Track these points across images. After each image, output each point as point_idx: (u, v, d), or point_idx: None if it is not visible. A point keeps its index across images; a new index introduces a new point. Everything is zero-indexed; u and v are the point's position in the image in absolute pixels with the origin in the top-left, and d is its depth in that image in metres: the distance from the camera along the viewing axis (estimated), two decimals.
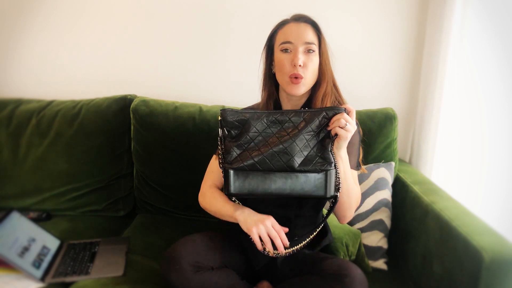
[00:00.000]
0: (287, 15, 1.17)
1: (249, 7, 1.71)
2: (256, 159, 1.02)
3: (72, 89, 1.83)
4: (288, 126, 1.03)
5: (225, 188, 1.05)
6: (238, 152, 1.04)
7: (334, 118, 1.00)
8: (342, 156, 1.05)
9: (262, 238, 1.02)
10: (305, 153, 1.02)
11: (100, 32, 1.79)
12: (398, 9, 1.68)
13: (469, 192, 1.59)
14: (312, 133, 1.02)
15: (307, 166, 1.01)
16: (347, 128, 0.99)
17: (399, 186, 1.52)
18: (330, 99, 1.14)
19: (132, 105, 1.61)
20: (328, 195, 1.03)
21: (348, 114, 1.00)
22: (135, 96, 1.67)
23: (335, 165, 1.03)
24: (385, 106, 1.62)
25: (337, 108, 1.01)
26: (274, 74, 1.17)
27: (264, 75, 1.20)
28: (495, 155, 1.55)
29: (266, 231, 1.02)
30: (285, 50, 1.11)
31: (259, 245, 1.03)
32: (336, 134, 1.00)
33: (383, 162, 1.54)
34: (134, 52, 1.80)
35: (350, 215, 1.14)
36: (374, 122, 1.54)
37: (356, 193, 1.13)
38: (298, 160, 1.01)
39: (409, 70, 1.74)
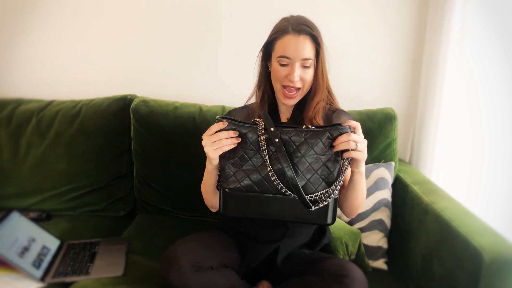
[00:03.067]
0: (286, 15, 1.16)
1: (249, 8, 1.71)
2: (253, 180, 0.99)
3: (72, 89, 1.83)
4: (288, 146, 0.98)
5: (221, 208, 1.03)
6: (234, 170, 1.00)
7: (340, 139, 0.96)
8: (362, 171, 1.05)
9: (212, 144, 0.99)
10: (308, 176, 0.98)
11: (100, 32, 1.79)
12: (398, 9, 1.68)
13: (469, 192, 1.59)
14: (315, 155, 0.98)
15: (308, 191, 0.97)
16: (359, 148, 0.97)
17: (399, 186, 1.52)
18: (323, 104, 1.16)
19: (132, 105, 1.61)
20: (330, 223, 1.02)
21: (353, 131, 0.98)
22: (135, 96, 1.67)
23: (341, 187, 1.01)
24: (385, 106, 1.62)
25: (341, 127, 0.97)
26: (270, 73, 1.16)
27: (260, 75, 1.20)
28: (495, 155, 1.55)
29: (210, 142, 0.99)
30: (282, 64, 1.10)
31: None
32: (349, 157, 0.99)
33: (383, 162, 1.54)
34: (134, 53, 1.80)
35: (357, 212, 1.16)
36: (374, 122, 1.54)
37: (365, 194, 1.16)
38: (299, 184, 0.97)
39: (409, 70, 1.74)
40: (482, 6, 1.47)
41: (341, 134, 0.97)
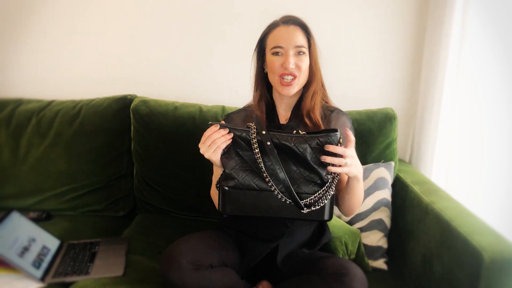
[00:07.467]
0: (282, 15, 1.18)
1: (249, 8, 1.71)
2: (251, 178, 1.00)
3: (72, 89, 1.83)
4: (279, 150, 1.00)
5: (220, 207, 1.03)
6: (232, 170, 1.01)
7: (328, 160, 0.97)
8: (358, 177, 1.05)
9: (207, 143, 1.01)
10: (299, 180, 1.01)
11: (100, 32, 1.79)
12: (399, 9, 1.68)
13: (469, 192, 1.59)
14: (305, 160, 1.00)
15: (299, 194, 0.99)
16: (348, 164, 0.98)
17: (399, 186, 1.52)
18: (319, 98, 1.18)
19: (132, 105, 1.61)
20: (327, 219, 1.03)
21: (342, 143, 1.00)
22: (135, 96, 1.67)
23: (333, 180, 1.01)
24: (385, 106, 1.62)
25: (331, 134, 0.99)
26: (266, 74, 1.19)
27: (256, 75, 1.22)
28: (495, 155, 1.55)
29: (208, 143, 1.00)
30: (276, 54, 1.13)
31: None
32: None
33: (382, 162, 1.54)
34: (134, 52, 1.80)
35: (354, 212, 1.18)
36: (374, 122, 1.54)
37: (362, 196, 1.16)
38: (291, 186, 0.99)
39: (409, 70, 1.74)
40: (483, 6, 1.47)
41: (329, 142, 0.99)
